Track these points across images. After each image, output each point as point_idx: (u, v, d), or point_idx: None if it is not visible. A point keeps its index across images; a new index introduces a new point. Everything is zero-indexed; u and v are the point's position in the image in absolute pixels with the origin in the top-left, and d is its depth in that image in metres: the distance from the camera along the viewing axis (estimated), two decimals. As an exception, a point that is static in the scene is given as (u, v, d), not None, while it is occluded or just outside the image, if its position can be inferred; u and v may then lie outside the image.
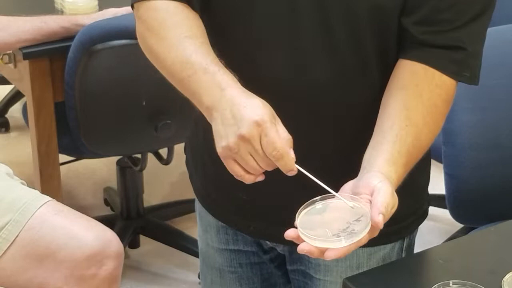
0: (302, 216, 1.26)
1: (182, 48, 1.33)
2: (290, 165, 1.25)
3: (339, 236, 1.22)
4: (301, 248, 1.23)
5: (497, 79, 1.47)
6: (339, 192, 1.28)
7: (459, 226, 2.36)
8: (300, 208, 1.27)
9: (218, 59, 1.32)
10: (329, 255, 1.22)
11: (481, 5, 1.37)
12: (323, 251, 1.22)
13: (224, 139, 1.25)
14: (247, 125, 1.23)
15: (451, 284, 1.35)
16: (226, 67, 1.31)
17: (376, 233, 1.25)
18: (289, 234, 1.24)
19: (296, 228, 1.24)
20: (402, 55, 1.40)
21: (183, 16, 1.38)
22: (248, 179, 1.27)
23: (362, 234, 1.22)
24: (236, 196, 1.52)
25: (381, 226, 1.22)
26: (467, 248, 1.54)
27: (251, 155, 1.24)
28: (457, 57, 1.38)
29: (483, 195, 2.10)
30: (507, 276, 1.38)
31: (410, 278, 1.42)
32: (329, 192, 1.26)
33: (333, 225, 1.24)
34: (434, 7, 1.36)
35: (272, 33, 1.40)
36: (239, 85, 1.29)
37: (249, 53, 1.42)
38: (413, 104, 1.36)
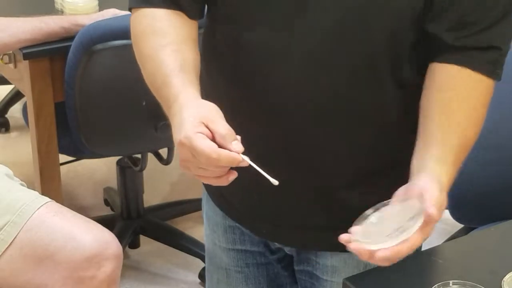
0: (358, 227, 1.26)
1: (152, 60, 1.35)
2: (234, 160, 1.22)
3: (391, 236, 1.21)
4: (353, 248, 1.22)
5: (497, 79, 1.48)
6: (392, 198, 1.28)
7: (459, 226, 2.36)
8: (355, 221, 1.27)
9: (185, 64, 1.33)
10: (379, 255, 1.21)
11: (504, 4, 1.37)
12: (373, 253, 1.21)
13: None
14: (178, 147, 1.25)
15: (451, 284, 1.35)
16: (190, 71, 1.32)
17: (430, 232, 1.24)
18: (343, 237, 1.24)
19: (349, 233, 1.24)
20: (436, 58, 1.38)
21: (166, 24, 1.38)
22: (216, 182, 1.26)
23: (411, 230, 1.21)
24: (247, 197, 1.52)
25: (437, 218, 1.21)
26: (467, 248, 1.54)
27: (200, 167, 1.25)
28: (492, 57, 1.38)
29: (483, 195, 2.10)
30: (507, 276, 1.38)
31: (410, 278, 1.42)
32: (269, 180, 1.24)
33: (387, 228, 1.24)
34: (459, 11, 1.35)
35: (282, 39, 1.37)
36: (184, 96, 1.30)
37: (259, 59, 1.40)
38: (454, 105, 1.36)
